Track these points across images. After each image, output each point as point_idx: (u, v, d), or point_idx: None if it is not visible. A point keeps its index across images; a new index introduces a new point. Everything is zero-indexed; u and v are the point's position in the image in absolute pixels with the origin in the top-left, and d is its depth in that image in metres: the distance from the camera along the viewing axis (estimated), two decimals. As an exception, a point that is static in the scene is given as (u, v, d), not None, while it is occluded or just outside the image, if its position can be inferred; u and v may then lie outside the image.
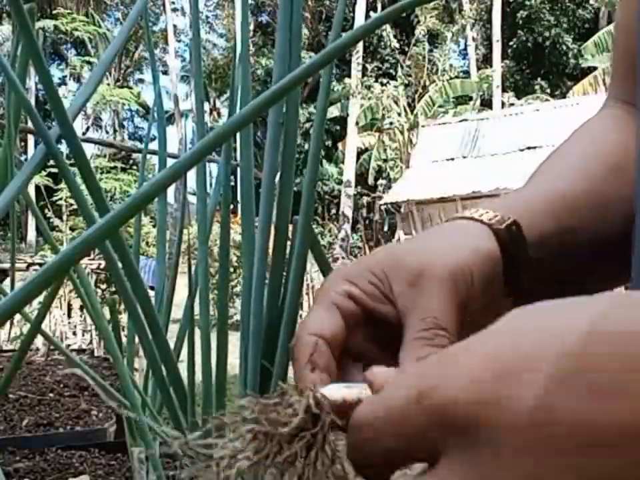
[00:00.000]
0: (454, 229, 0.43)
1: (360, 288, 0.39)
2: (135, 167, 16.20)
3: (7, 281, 4.23)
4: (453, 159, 14.22)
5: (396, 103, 18.04)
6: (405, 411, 0.27)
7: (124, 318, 1.90)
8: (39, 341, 3.33)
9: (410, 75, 20.98)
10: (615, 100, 0.67)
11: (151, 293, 0.63)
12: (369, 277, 0.39)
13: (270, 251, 0.50)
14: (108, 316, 0.72)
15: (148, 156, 0.99)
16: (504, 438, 0.24)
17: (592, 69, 18.94)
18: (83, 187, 0.44)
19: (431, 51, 21.52)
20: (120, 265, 0.44)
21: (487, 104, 21.13)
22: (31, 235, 21.75)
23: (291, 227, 0.49)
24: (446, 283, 0.37)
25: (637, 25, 0.55)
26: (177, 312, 1.28)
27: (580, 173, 0.53)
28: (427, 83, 20.02)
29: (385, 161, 18.78)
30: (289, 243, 0.48)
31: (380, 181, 18.87)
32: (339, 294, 0.39)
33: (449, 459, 0.26)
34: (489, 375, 0.25)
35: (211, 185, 0.65)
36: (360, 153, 20.43)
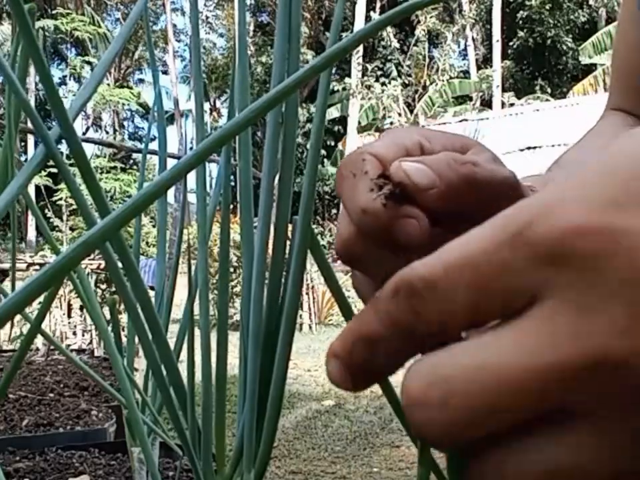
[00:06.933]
0: None
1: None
2: (135, 167, 16.21)
3: (7, 281, 4.24)
4: (452, 159, 14.21)
5: (396, 103, 18.05)
6: (497, 249, 0.22)
7: (124, 318, 1.90)
8: (39, 341, 3.33)
9: (410, 75, 20.99)
10: (614, 109, 0.70)
11: (151, 293, 0.64)
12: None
13: (270, 251, 0.50)
14: (108, 316, 0.72)
15: (148, 156, 0.99)
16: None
17: (592, 69, 18.95)
18: (83, 187, 0.44)
19: (430, 51, 21.53)
20: (120, 264, 0.45)
21: (487, 104, 21.13)
22: (31, 235, 21.76)
23: (290, 227, 0.49)
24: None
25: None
26: (177, 312, 1.28)
27: None
28: (427, 83, 20.03)
29: (385, 160, 18.74)
30: (288, 243, 0.48)
31: (380, 181, 18.82)
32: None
33: (553, 300, 0.22)
34: (624, 195, 0.21)
35: (210, 185, 0.66)
36: (360, 152, 20.37)
